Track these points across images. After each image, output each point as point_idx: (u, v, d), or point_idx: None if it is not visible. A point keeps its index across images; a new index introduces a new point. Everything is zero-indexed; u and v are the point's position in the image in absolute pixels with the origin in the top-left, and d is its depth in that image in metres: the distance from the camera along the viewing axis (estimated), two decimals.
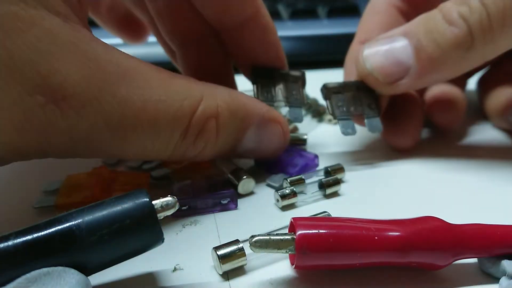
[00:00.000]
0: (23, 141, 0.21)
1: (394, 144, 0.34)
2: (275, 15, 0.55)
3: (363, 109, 0.31)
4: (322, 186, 0.27)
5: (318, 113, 0.39)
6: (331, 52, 0.52)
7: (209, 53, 0.33)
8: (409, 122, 0.34)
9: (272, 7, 0.56)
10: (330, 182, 0.28)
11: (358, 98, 0.31)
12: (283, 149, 0.30)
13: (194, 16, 0.31)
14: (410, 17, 0.33)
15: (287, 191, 0.27)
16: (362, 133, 0.37)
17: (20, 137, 0.20)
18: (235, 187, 0.28)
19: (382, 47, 0.30)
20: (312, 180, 0.29)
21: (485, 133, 0.37)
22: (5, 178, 0.30)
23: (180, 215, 0.26)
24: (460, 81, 0.38)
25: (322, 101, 0.40)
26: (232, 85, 0.34)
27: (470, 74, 0.40)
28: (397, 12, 0.36)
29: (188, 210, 0.27)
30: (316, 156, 0.30)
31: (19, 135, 0.20)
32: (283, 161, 0.30)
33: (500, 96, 0.36)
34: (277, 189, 0.27)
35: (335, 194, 0.28)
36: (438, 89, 0.36)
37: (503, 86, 0.36)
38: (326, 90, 0.31)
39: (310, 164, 0.30)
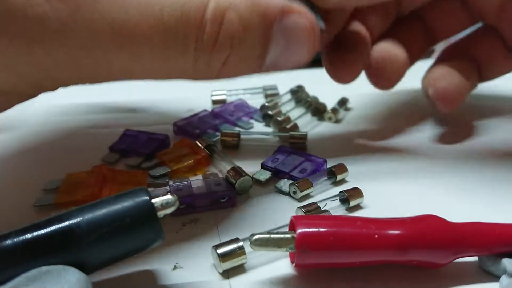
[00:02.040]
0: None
1: (334, 76, 0.34)
2: None
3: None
4: (346, 200, 0.27)
5: (318, 112, 0.39)
6: None
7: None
8: (350, 56, 0.33)
9: None
10: (353, 195, 0.27)
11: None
12: (315, 49, 0.26)
13: None
14: None
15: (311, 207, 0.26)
16: (362, 132, 0.37)
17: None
18: (233, 185, 0.28)
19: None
20: (319, 181, 0.29)
21: (485, 132, 0.37)
22: (5, 177, 0.30)
23: (180, 214, 0.26)
24: (417, 46, 0.38)
25: (322, 100, 0.40)
26: None
27: (433, 41, 0.40)
28: None
29: (187, 209, 0.27)
30: (324, 161, 0.30)
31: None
32: (291, 166, 0.30)
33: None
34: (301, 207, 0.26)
35: (357, 207, 0.27)
36: (378, 47, 0.36)
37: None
38: None
39: (319, 170, 0.30)
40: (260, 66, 0.24)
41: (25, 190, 0.29)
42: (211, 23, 0.21)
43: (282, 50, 0.24)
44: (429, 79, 0.36)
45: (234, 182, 0.28)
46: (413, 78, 0.44)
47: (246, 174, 0.28)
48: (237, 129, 0.37)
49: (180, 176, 0.30)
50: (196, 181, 0.28)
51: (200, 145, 0.32)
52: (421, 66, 0.42)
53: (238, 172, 0.28)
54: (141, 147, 0.33)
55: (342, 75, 0.34)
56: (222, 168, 0.30)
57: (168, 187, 0.29)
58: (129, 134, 0.34)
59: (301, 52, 0.25)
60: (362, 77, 0.49)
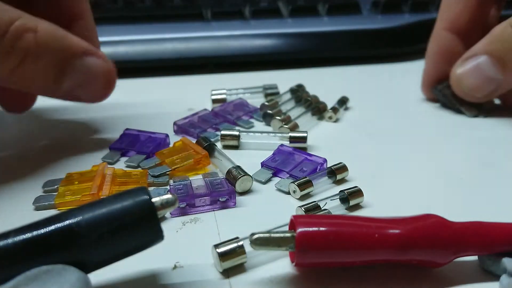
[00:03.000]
0: None
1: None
2: (275, 13, 0.55)
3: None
4: (346, 199, 0.27)
5: (318, 111, 0.39)
6: (332, 50, 0.52)
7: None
8: None
9: (272, 4, 0.56)
10: (353, 194, 0.27)
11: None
12: (110, 88, 0.32)
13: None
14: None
15: (311, 205, 0.26)
16: (362, 130, 0.37)
17: None
18: (233, 185, 0.28)
19: (470, 66, 0.36)
20: (319, 181, 0.29)
21: (485, 132, 0.37)
22: (4, 177, 0.30)
23: (179, 214, 0.26)
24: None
25: (322, 99, 0.40)
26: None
27: None
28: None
29: (187, 208, 0.27)
30: (325, 161, 0.30)
31: None
32: (291, 166, 0.30)
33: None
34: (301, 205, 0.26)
35: (357, 206, 0.27)
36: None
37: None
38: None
39: (319, 169, 0.30)
40: (57, 89, 0.29)
41: (25, 190, 0.29)
42: (11, 35, 0.26)
43: (80, 82, 0.30)
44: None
45: (235, 181, 0.28)
46: (413, 78, 0.44)
47: (247, 174, 0.28)
48: (237, 128, 0.37)
49: (180, 176, 0.30)
50: (196, 180, 0.28)
51: (201, 144, 0.32)
52: (421, 66, 0.42)
53: (238, 171, 0.28)
54: (141, 147, 0.33)
55: None
56: (222, 167, 0.30)
57: (168, 187, 0.29)
58: (129, 134, 0.34)
59: (96, 89, 0.31)
60: (363, 76, 0.49)
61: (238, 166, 0.29)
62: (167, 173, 0.30)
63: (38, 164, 0.32)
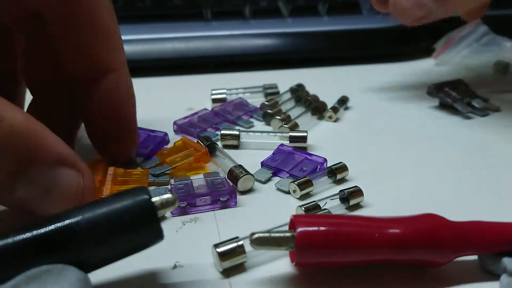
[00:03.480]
0: None
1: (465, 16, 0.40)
2: (275, 12, 0.55)
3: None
4: (346, 199, 0.27)
5: (318, 110, 0.39)
6: (332, 49, 0.52)
7: (59, 104, 0.31)
8: None
9: (272, 4, 0.56)
10: (353, 194, 0.27)
11: None
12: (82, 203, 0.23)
13: (56, 63, 0.29)
14: None
15: (311, 205, 0.26)
16: (362, 130, 0.37)
17: None
18: (235, 184, 0.28)
19: None
20: (319, 181, 0.29)
21: (486, 131, 0.37)
22: None
23: (180, 214, 0.26)
24: None
25: (322, 98, 0.40)
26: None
27: None
28: None
29: (188, 208, 0.27)
30: (324, 160, 0.30)
31: None
32: (291, 165, 0.30)
33: None
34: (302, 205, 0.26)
35: (357, 206, 0.27)
36: None
37: None
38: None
39: (319, 169, 0.30)
40: (7, 194, 0.22)
41: None
42: None
43: (39, 194, 0.22)
44: None
45: (237, 180, 0.28)
46: (413, 77, 0.44)
47: (248, 173, 0.28)
48: (237, 128, 0.37)
49: (181, 175, 0.30)
50: (198, 180, 0.28)
51: (202, 143, 0.32)
52: (421, 65, 0.42)
53: (240, 170, 0.28)
54: (140, 145, 0.32)
55: None
56: (224, 166, 0.30)
57: (169, 186, 0.29)
58: None
59: (56, 205, 0.23)
60: (363, 76, 0.49)
61: (240, 165, 0.29)
62: (167, 172, 0.30)
63: None
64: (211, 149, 0.32)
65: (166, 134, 0.34)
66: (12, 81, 0.31)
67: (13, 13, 0.28)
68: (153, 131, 0.34)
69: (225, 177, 0.28)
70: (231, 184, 0.28)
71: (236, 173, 0.28)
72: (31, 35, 0.29)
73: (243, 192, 0.28)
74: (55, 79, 0.30)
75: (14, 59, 0.31)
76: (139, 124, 0.35)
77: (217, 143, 0.33)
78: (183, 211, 0.27)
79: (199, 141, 0.32)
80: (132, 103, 0.31)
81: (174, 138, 0.34)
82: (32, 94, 0.31)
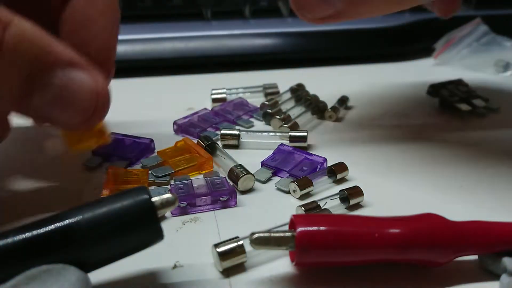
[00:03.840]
0: None
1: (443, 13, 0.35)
2: (275, 12, 0.55)
3: None
4: (346, 199, 0.27)
5: (318, 110, 0.39)
6: (332, 49, 0.52)
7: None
8: None
9: (272, 4, 0.56)
10: (353, 194, 0.27)
11: None
12: (95, 115, 0.23)
13: None
14: None
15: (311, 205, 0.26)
16: (362, 130, 0.37)
17: None
18: (235, 183, 0.28)
19: None
20: (319, 180, 0.29)
21: (486, 130, 0.37)
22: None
23: (180, 214, 0.26)
24: None
25: (322, 98, 0.40)
26: None
27: None
28: None
29: (188, 208, 0.27)
30: (325, 160, 0.30)
31: None
32: (291, 165, 0.30)
33: None
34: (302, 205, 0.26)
35: (357, 206, 0.27)
36: None
37: None
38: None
39: (319, 168, 0.30)
40: (24, 102, 0.22)
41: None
42: None
43: (54, 100, 0.22)
44: None
45: (237, 180, 0.28)
46: (413, 77, 0.44)
47: (249, 172, 0.28)
48: (237, 127, 0.37)
49: (181, 175, 0.30)
50: (197, 180, 0.28)
51: (202, 143, 0.32)
52: (421, 65, 0.42)
53: (240, 170, 0.28)
54: (125, 152, 0.32)
55: None
56: (224, 166, 0.30)
57: (169, 186, 0.29)
58: (113, 138, 0.32)
59: (74, 112, 0.22)
60: (363, 76, 0.49)
61: (240, 165, 0.29)
62: (168, 172, 0.30)
63: (17, 164, 0.32)
64: (211, 148, 0.32)
65: (151, 141, 0.33)
66: None
67: None
68: (138, 137, 0.33)
69: (225, 177, 0.28)
70: (231, 184, 0.28)
71: (236, 173, 0.28)
72: None
73: (243, 192, 0.28)
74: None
75: None
76: (139, 125, 0.35)
77: (217, 142, 0.33)
78: (183, 211, 0.27)
79: (199, 141, 0.32)
80: (110, 16, 0.27)
81: (174, 138, 0.34)
82: None
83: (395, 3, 0.28)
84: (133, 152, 0.32)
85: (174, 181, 0.28)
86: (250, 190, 0.29)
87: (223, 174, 0.29)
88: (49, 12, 0.26)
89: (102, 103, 0.23)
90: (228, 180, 0.28)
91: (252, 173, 0.29)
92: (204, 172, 0.30)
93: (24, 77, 0.21)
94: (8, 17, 0.20)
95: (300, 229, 0.20)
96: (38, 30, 0.21)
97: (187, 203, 0.27)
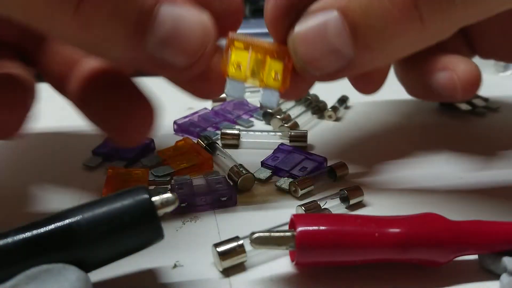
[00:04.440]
0: None
1: (359, 89, 0.31)
2: None
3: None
4: (346, 198, 0.27)
5: (318, 110, 0.39)
6: None
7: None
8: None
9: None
10: (353, 193, 0.27)
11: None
12: (207, 55, 0.22)
13: None
14: None
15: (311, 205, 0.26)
16: (362, 129, 0.37)
17: None
18: (235, 183, 0.28)
19: (313, 25, 0.24)
20: (319, 180, 0.29)
21: (486, 130, 0.37)
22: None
23: (180, 212, 0.26)
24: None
25: (322, 98, 0.40)
26: None
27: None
28: None
29: (188, 207, 0.27)
30: (325, 159, 0.30)
31: None
32: (291, 164, 0.30)
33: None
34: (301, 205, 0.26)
35: (357, 205, 0.27)
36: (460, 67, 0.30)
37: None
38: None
39: (319, 168, 0.30)
40: (139, 49, 0.21)
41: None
42: None
43: (164, 38, 0.21)
44: (438, 65, 0.30)
45: (237, 180, 0.28)
46: None
47: (249, 172, 0.28)
48: (237, 127, 0.37)
49: (181, 174, 0.30)
50: (197, 179, 0.28)
51: (202, 143, 0.32)
52: None
53: (240, 170, 0.28)
54: (124, 151, 0.32)
55: (370, 88, 0.31)
56: (224, 166, 0.30)
57: (169, 185, 0.29)
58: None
59: (182, 49, 0.22)
60: None
61: (240, 164, 0.29)
62: (168, 172, 0.30)
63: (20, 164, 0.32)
64: (211, 148, 0.32)
65: (152, 140, 0.33)
66: None
67: None
68: None
69: (225, 177, 0.28)
70: (231, 183, 0.28)
71: (236, 172, 0.28)
72: None
73: (243, 192, 0.28)
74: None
75: None
76: None
77: (217, 142, 0.33)
78: (183, 211, 0.27)
79: (199, 140, 0.32)
80: None
81: (175, 138, 0.34)
82: None
83: (413, 46, 0.24)
84: (132, 152, 0.32)
85: (174, 181, 0.28)
86: (250, 190, 0.29)
87: (223, 174, 0.29)
88: None
89: (210, 40, 0.22)
90: (228, 180, 0.28)
91: (252, 172, 0.29)
92: (204, 172, 0.30)
93: (135, 13, 0.20)
94: None
95: (300, 228, 0.20)
96: None
97: (187, 202, 0.27)
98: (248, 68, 0.25)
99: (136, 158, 0.32)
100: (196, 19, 0.22)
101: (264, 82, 0.25)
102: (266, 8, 0.27)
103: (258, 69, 0.25)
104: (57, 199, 0.28)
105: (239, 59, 0.25)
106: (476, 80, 0.30)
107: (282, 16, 0.26)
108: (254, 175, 0.29)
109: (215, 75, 0.25)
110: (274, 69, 0.25)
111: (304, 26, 0.24)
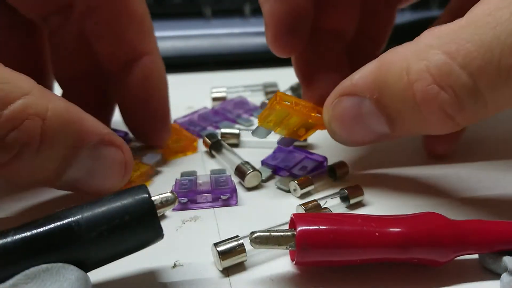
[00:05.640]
0: None
1: (433, 151, 0.32)
2: None
3: None
4: (346, 198, 0.27)
5: None
6: None
7: (91, 95, 0.31)
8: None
9: None
10: (353, 193, 0.27)
11: None
12: (121, 184, 0.25)
13: (86, 53, 0.30)
14: None
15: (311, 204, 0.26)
16: None
17: None
18: (242, 180, 0.28)
19: (348, 112, 0.25)
20: (320, 179, 0.29)
21: (487, 129, 0.36)
22: None
23: (180, 209, 0.26)
24: None
25: None
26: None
27: None
28: None
29: (188, 204, 0.27)
30: (325, 159, 0.30)
31: None
32: (291, 164, 0.30)
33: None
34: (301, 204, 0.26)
35: (358, 205, 0.27)
36: None
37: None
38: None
39: (319, 167, 0.30)
40: (55, 179, 0.23)
41: None
42: (4, 120, 0.20)
43: (86, 173, 0.24)
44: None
45: (244, 177, 0.28)
46: None
47: (255, 169, 0.28)
48: (237, 126, 0.36)
49: (172, 158, 0.32)
50: (203, 176, 0.28)
51: (208, 141, 0.32)
52: None
53: (247, 167, 0.28)
54: None
55: (444, 149, 0.31)
56: (230, 163, 0.30)
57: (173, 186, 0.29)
58: None
59: (105, 181, 0.25)
60: None
61: (247, 162, 0.29)
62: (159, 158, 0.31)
63: None
64: (218, 146, 0.32)
65: (126, 133, 0.33)
66: (39, 76, 0.30)
67: (46, 5, 0.28)
68: (115, 130, 0.32)
69: (229, 175, 0.28)
70: (236, 181, 0.28)
71: (243, 169, 0.28)
72: (57, 28, 0.29)
73: (243, 191, 0.28)
74: (85, 70, 0.30)
75: (41, 54, 0.32)
76: None
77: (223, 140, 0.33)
78: (183, 207, 0.27)
79: (206, 138, 0.32)
80: (165, 86, 0.31)
81: None
82: (61, 88, 0.31)
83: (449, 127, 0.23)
84: None
85: (181, 177, 0.28)
86: (250, 189, 0.29)
87: (229, 172, 0.29)
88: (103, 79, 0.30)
89: (129, 168, 0.25)
90: (233, 178, 0.28)
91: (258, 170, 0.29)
92: (189, 153, 0.32)
93: (60, 159, 0.22)
94: (44, 104, 0.21)
95: (300, 228, 0.20)
96: (73, 110, 0.23)
97: (187, 199, 0.27)
98: (281, 124, 0.28)
99: None
100: (118, 157, 0.25)
101: (295, 134, 0.29)
102: (266, 27, 0.28)
103: (289, 125, 0.28)
104: (56, 198, 0.28)
105: (276, 118, 0.27)
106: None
107: (284, 32, 0.28)
108: (260, 172, 0.29)
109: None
110: (305, 127, 0.28)
111: (339, 108, 0.25)
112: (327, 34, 0.30)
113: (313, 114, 0.27)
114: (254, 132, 0.28)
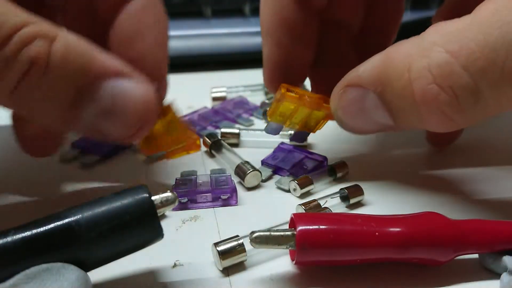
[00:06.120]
0: None
1: (435, 140, 0.32)
2: None
3: None
4: (346, 197, 0.27)
5: None
6: None
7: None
8: None
9: None
10: (353, 192, 0.27)
11: None
12: (145, 125, 0.23)
13: None
14: None
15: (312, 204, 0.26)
16: None
17: None
18: (242, 180, 0.28)
19: (352, 104, 0.25)
20: (320, 179, 0.29)
21: (487, 129, 0.36)
22: None
23: (180, 209, 0.26)
24: None
25: None
26: None
27: None
28: None
29: (188, 203, 0.27)
30: (325, 159, 0.30)
31: None
32: (291, 164, 0.30)
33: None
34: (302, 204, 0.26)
35: (358, 204, 0.27)
36: None
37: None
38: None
39: (319, 167, 0.30)
40: (74, 120, 0.22)
41: None
42: (13, 44, 0.19)
43: (104, 112, 0.22)
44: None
45: (244, 176, 0.28)
46: None
47: (256, 169, 0.28)
48: (237, 126, 0.36)
49: (176, 157, 0.32)
50: (203, 176, 0.28)
51: (208, 141, 0.32)
52: None
53: (247, 167, 0.28)
54: (100, 146, 0.32)
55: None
56: (230, 163, 0.30)
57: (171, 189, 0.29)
58: None
59: (125, 123, 0.22)
60: None
61: (247, 162, 0.29)
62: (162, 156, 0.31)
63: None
64: (218, 146, 0.32)
65: None
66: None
67: None
68: None
69: (229, 175, 0.28)
70: (235, 181, 0.28)
71: (243, 169, 0.28)
72: None
73: (243, 191, 0.28)
74: (81, 9, 0.27)
75: None
76: None
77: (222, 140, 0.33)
78: (183, 207, 0.27)
79: (206, 138, 0.32)
80: (162, 27, 0.26)
81: None
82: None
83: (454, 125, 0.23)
84: (108, 146, 0.32)
85: (181, 176, 0.28)
86: (250, 189, 0.29)
87: (229, 171, 0.29)
88: (98, 24, 0.26)
89: (151, 111, 0.23)
90: (233, 178, 0.28)
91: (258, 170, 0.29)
92: (191, 152, 0.32)
93: (73, 90, 0.21)
94: (53, 31, 0.20)
95: (300, 228, 0.20)
96: (84, 42, 0.21)
97: (188, 198, 0.27)
98: (291, 117, 0.28)
99: (109, 154, 0.32)
100: (139, 92, 0.22)
101: (306, 128, 0.29)
102: (263, 68, 0.30)
103: (299, 119, 0.28)
104: (56, 199, 0.28)
105: (285, 110, 0.27)
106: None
107: (278, 76, 0.29)
108: (260, 172, 0.29)
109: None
110: (315, 119, 0.29)
111: (345, 98, 0.26)
112: (334, 25, 0.30)
113: (324, 104, 0.28)
114: (266, 129, 0.28)
